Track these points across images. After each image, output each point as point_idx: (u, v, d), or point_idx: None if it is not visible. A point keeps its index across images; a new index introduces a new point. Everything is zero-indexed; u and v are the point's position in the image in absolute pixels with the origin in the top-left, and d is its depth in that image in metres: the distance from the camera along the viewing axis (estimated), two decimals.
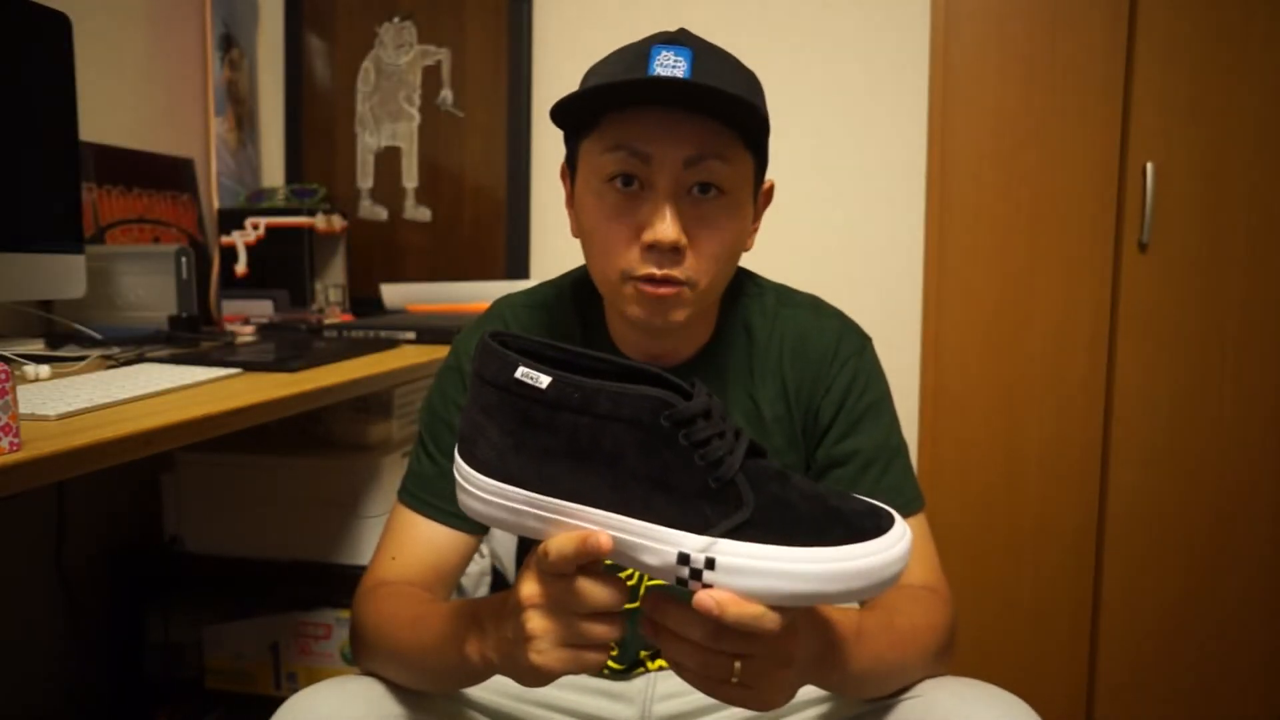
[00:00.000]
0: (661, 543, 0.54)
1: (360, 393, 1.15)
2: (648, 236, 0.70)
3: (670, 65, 0.69)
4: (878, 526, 0.55)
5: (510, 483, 0.56)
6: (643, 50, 0.71)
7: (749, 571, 0.53)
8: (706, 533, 0.53)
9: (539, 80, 1.88)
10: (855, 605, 0.76)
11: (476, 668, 0.64)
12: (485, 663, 0.63)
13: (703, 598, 0.52)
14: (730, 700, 0.58)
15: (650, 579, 0.84)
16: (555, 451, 0.55)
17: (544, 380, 0.55)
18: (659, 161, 0.70)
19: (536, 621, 0.56)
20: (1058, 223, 1.75)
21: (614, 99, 0.70)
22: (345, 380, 1.08)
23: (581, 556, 0.53)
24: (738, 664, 0.55)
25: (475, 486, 0.57)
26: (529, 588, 0.56)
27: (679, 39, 0.72)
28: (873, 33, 1.76)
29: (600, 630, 0.56)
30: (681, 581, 0.54)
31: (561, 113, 0.72)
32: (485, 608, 0.64)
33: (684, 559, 0.53)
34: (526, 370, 0.55)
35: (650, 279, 0.71)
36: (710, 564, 0.53)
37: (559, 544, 0.54)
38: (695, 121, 0.69)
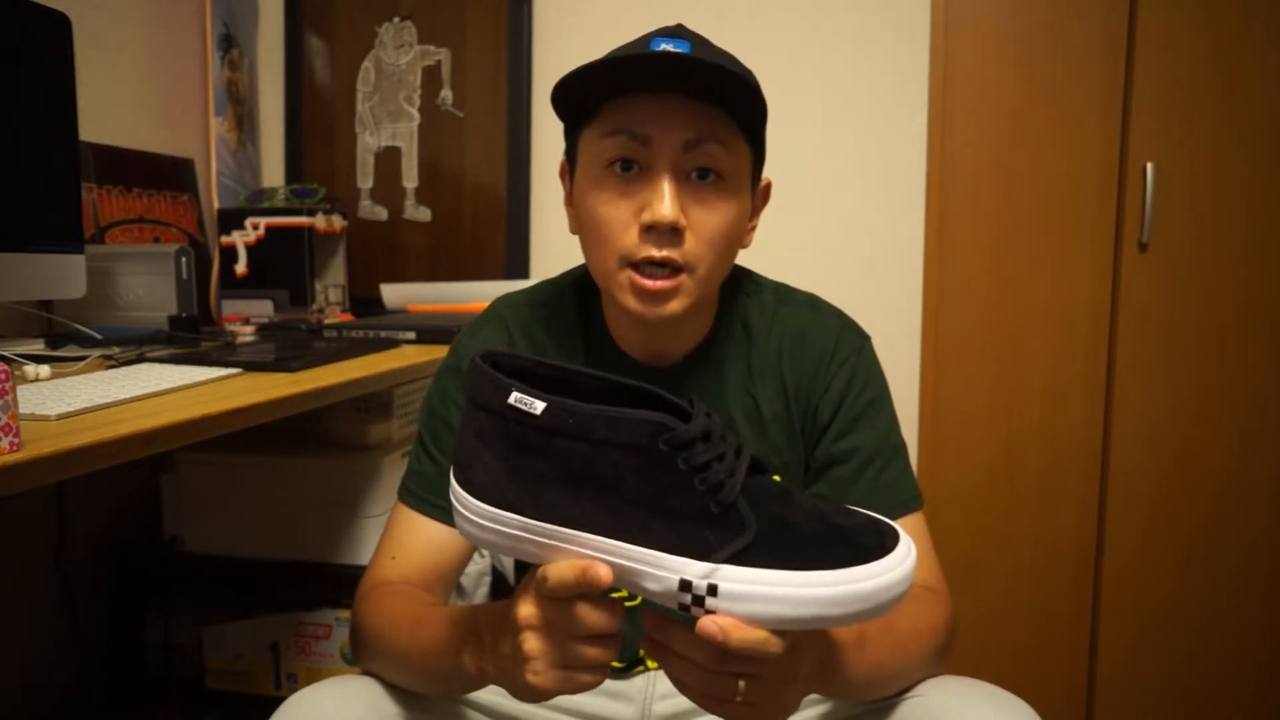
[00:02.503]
0: (662, 569, 0.53)
1: (360, 393, 1.15)
2: (647, 217, 0.70)
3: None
4: (881, 546, 0.54)
5: (506, 509, 0.55)
6: (642, 42, 0.72)
7: (752, 597, 0.52)
8: (708, 558, 0.53)
9: (539, 80, 1.88)
10: None
11: (473, 677, 0.64)
12: (481, 673, 0.63)
13: (706, 624, 0.52)
14: (734, 718, 0.57)
15: None
16: (551, 477, 0.54)
17: (538, 406, 0.54)
18: (658, 144, 0.71)
19: (533, 643, 0.56)
20: (1058, 223, 1.75)
21: (615, 79, 0.71)
22: (345, 380, 1.08)
23: (581, 586, 0.53)
24: (742, 683, 0.55)
25: (471, 513, 0.57)
26: (526, 609, 0.56)
27: (677, 33, 0.73)
28: (873, 33, 1.76)
29: (596, 653, 0.56)
30: (684, 608, 0.54)
31: (563, 97, 0.73)
32: (484, 619, 0.64)
33: (686, 586, 0.53)
34: (520, 396, 0.54)
35: (649, 261, 0.71)
36: (713, 590, 0.52)
37: (559, 572, 0.53)
38: (694, 106, 0.70)
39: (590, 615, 0.54)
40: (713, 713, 0.58)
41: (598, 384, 0.60)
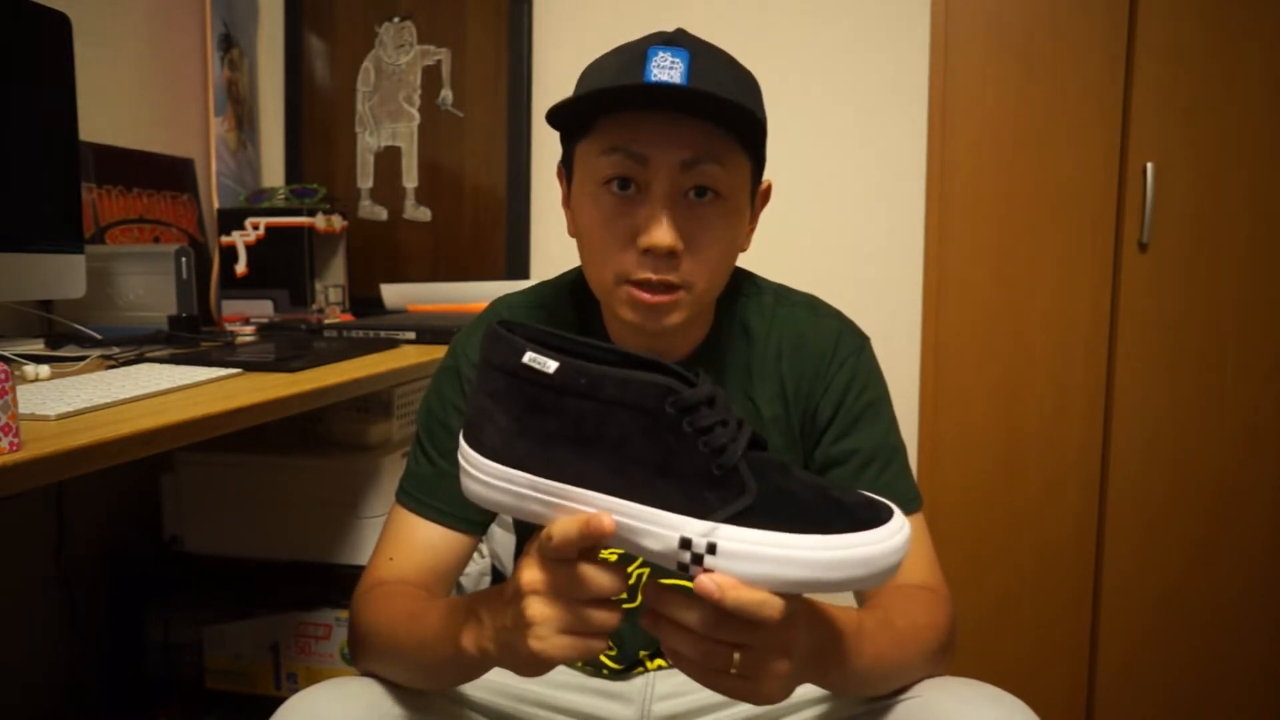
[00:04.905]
0: (664, 527, 0.54)
1: (360, 393, 1.15)
2: (644, 241, 0.70)
3: (667, 67, 0.69)
4: (877, 517, 0.55)
5: (515, 467, 0.56)
6: (639, 51, 0.71)
7: (750, 557, 0.53)
8: (709, 518, 0.53)
9: (539, 80, 1.88)
10: (854, 604, 0.76)
11: (473, 660, 0.64)
12: (482, 654, 0.63)
13: (704, 581, 0.52)
14: (728, 692, 0.58)
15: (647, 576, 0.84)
16: (560, 436, 0.55)
17: (551, 365, 0.55)
18: (656, 165, 0.70)
19: (537, 608, 0.56)
20: (1058, 223, 1.75)
21: (610, 105, 0.70)
22: (345, 380, 1.08)
23: (585, 539, 0.53)
24: (736, 655, 0.55)
25: (480, 471, 0.58)
26: (530, 574, 0.56)
27: (676, 40, 0.72)
28: (873, 33, 1.76)
29: (601, 616, 0.56)
30: (683, 566, 0.54)
31: (557, 116, 0.72)
32: (481, 599, 0.64)
33: (686, 543, 0.53)
34: (534, 355, 0.55)
35: (646, 283, 0.72)
36: (712, 549, 0.53)
37: (562, 527, 0.54)
38: (692, 124, 0.69)
39: (595, 576, 0.55)
40: (709, 686, 0.58)
41: (607, 354, 0.60)
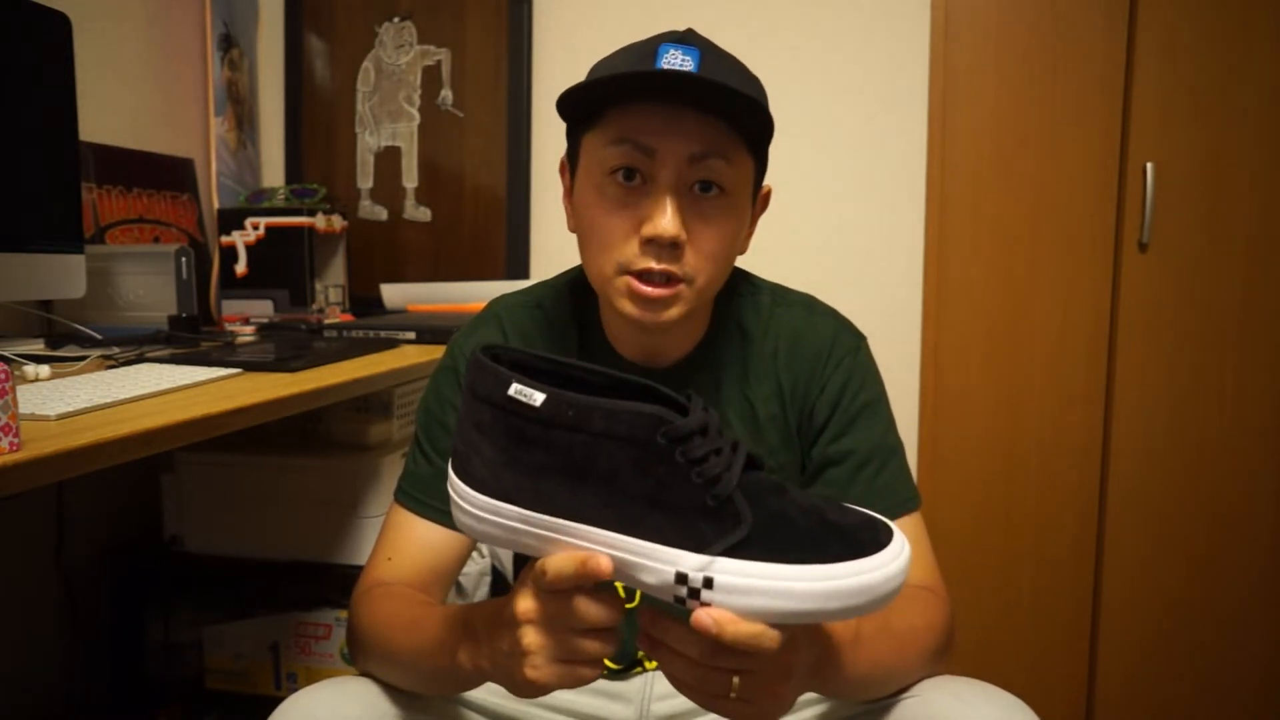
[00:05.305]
0: (659, 561, 0.53)
1: (360, 393, 1.15)
2: (648, 230, 0.70)
3: (678, 63, 0.69)
4: (875, 541, 0.54)
5: (505, 500, 0.56)
6: (650, 48, 0.72)
7: (748, 591, 0.52)
8: (704, 551, 0.53)
9: (539, 80, 1.88)
10: None
11: (469, 675, 0.64)
12: (478, 671, 0.63)
13: (701, 617, 0.52)
14: (728, 714, 0.58)
15: None
16: (550, 469, 0.54)
17: (538, 398, 0.54)
18: (663, 156, 0.70)
19: (532, 637, 0.56)
20: (1058, 223, 1.75)
21: (621, 92, 0.71)
22: (345, 380, 1.08)
23: (580, 578, 0.53)
24: (736, 679, 0.55)
25: (470, 504, 0.57)
26: (525, 603, 0.56)
27: (687, 39, 0.72)
28: (873, 33, 1.76)
29: (595, 646, 0.56)
30: (679, 600, 0.54)
31: (567, 103, 0.72)
32: (479, 617, 0.64)
33: (682, 578, 0.53)
34: (520, 388, 0.54)
35: (648, 273, 0.71)
36: (708, 583, 0.52)
37: (558, 564, 0.53)
38: (701, 119, 0.70)
39: (589, 608, 0.54)
40: (708, 709, 0.58)
41: (596, 378, 0.60)
